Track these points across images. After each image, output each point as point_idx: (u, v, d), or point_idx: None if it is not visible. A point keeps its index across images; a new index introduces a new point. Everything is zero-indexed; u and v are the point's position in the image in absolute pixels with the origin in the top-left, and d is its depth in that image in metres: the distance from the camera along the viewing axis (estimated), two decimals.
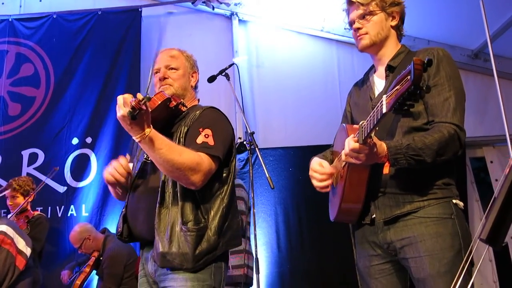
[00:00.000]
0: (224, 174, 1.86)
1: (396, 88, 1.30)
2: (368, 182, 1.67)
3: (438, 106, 1.61)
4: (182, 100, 1.92)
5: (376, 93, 1.81)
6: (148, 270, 1.85)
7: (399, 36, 1.84)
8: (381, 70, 1.83)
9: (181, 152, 1.68)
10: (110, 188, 1.96)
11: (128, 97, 1.57)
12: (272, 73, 4.17)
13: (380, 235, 1.68)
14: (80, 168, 4.01)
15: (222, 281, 1.80)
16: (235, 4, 4.16)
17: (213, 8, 4.13)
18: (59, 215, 3.93)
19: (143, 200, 1.83)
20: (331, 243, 3.86)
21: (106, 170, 1.85)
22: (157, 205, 1.75)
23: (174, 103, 1.87)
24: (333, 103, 4.20)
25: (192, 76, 2.05)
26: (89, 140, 4.05)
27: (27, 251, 3.05)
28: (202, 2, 4.08)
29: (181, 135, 1.83)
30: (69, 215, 3.94)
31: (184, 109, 1.93)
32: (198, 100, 2.07)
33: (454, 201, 1.62)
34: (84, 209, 3.94)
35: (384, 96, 1.35)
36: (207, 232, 1.73)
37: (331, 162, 1.89)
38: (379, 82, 1.83)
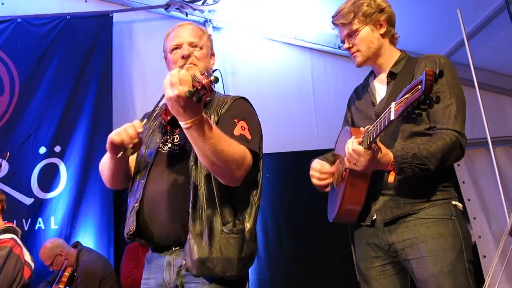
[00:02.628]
0: (256, 174, 1.69)
1: (406, 96, 1.33)
2: (369, 184, 1.70)
3: (440, 113, 1.66)
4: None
5: (378, 98, 1.84)
6: (164, 278, 1.61)
7: (393, 41, 1.87)
8: (382, 76, 1.86)
9: (230, 143, 1.48)
10: (108, 162, 1.67)
11: (186, 74, 1.33)
12: (247, 80, 4.16)
13: (381, 236, 1.71)
14: (48, 178, 3.81)
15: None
16: (209, 11, 4.13)
17: (187, 14, 4.08)
18: (26, 228, 3.70)
19: (164, 197, 1.59)
20: (311, 249, 3.89)
21: (114, 131, 1.56)
22: (190, 206, 1.53)
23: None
24: (308, 110, 4.25)
25: (211, 58, 1.86)
26: (57, 149, 3.86)
27: (32, 264, 3.01)
28: (176, 8, 4.03)
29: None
30: (36, 228, 3.72)
31: (208, 94, 1.71)
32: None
33: (453, 202, 1.67)
34: (53, 222, 3.74)
35: (393, 103, 1.38)
36: (245, 234, 1.56)
37: (332, 164, 1.91)
38: (380, 88, 1.86)
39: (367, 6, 1.81)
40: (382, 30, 1.83)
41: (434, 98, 1.27)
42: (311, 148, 4.16)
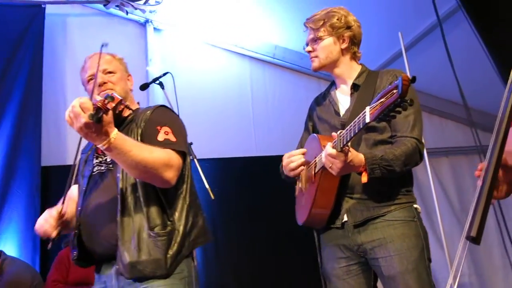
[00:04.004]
0: (182, 172, 1.78)
1: (381, 100, 1.43)
2: (338, 189, 1.80)
3: (400, 122, 1.80)
4: (127, 103, 1.82)
5: (341, 108, 1.95)
6: (114, 287, 1.69)
7: (355, 57, 1.98)
8: (343, 87, 1.98)
9: (151, 150, 1.60)
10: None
11: (86, 101, 1.45)
12: (186, 84, 4.11)
13: (350, 238, 1.81)
14: None
15: (192, 273, 1.75)
16: (150, 12, 4.04)
17: (127, 13, 3.95)
18: None
19: (100, 215, 1.70)
20: (247, 254, 3.95)
21: (38, 222, 1.72)
22: (118, 215, 1.64)
23: (121, 106, 1.76)
24: (246, 117, 4.32)
25: (128, 79, 1.97)
26: None
27: None
28: (116, 6, 3.88)
29: (136, 137, 1.73)
30: None
31: (129, 112, 1.85)
32: (138, 103, 1.99)
33: (415, 206, 1.83)
34: None
35: (368, 107, 1.48)
36: (175, 234, 1.67)
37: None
38: (343, 98, 1.97)
39: (337, 19, 1.92)
40: (344, 46, 1.94)
41: (409, 101, 1.38)
42: (248, 154, 4.24)
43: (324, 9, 1.96)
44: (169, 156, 1.64)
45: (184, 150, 1.73)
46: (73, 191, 1.90)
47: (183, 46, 4.23)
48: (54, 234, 1.68)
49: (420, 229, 1.78)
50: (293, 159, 1.92)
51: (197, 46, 4.25)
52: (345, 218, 1.82)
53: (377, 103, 1.44)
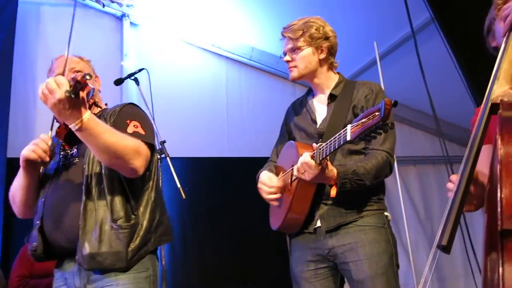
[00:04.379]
0: (147, 172, 1.78)
1: (362, 121, 1.46)
2: (313, 196, 1.84)
3: None
4: (96, 99, 1.87)
5: (318, 117, 1.98)
6: (76, 285, 1.68)
7: (332, 67, 2.02)
8: (321, 96, 2.01)
9: (122, 136, 1.60)
10: (23, 184, 1.74)
11: (61, 78, 1.45)
12: (161, 80, 4.06)
13: (322, 242, 1.84)
14: None
15: (157, 271, 1.76)
16: (128, 6, 3.98)
17: (104, 5, 3.88)
18: None
19: (64, 207, 1.68)
20: (215, 254, 3.94)
21: (25, 149, 1.68)
22: (82, 205, 1.63)
23: (91, 101, 1.80)
24: (220, 117, 4.31)
25: (96, 81, 1.99)
26: None
27: None
28: None
29: None
30: None
31: (97, 109, 1.87)
32: (106, 104, 1.99)
33: (385, 213, 1.89)
34: None
35: (349, 125, 1.50)
36: (139, 227, 1.67)
37: (276, 175, 2.00)
38: (319, 108, 2.00)
39: (316, 30, 1.95)
40: (322, 56, 1.96)
41: (389, 125, 1.42)
42: (221, 155, 4.23)
43: (301, 18, 1.97)
44: (139, 144, 1.64)
45: (152, 143, 1.74)
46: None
47: (160, 43, 4.18)
48: (47, 158, 1.68)
49: (390, 235, 1.84)
50: (269, 192, 1.93)
51: (174, 44, 4.21)
52: (318, 224, 1.86)
53: (358, 122, 1.47)
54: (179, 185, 2.57)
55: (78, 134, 1.53)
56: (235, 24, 4.19)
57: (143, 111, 1.90)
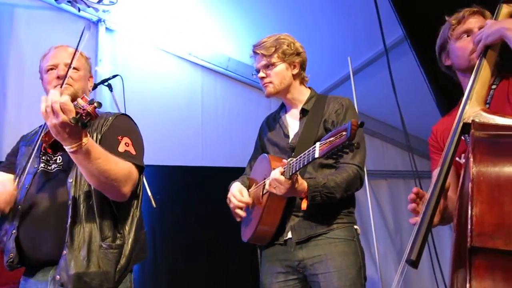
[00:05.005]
0: (137, 186, 1.75)
1: (330, 139, 1.50)
2: (284, 209, 1.86)
3: None
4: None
5: (291, 131, 2.03)
6: None
7: (303, 81, 2.09)
8: (293, 111, 2.06)
9: (116, 162, 1.56)
10: None
11: (68, 100, 1.36)
12: (136, 87, 4.03)
13: (292, 253, 1.86)
14: None
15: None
16: (104, 11, 3.93)
17: (79, 10, 3.82)
18: None
19: (46, 220, 1.63)
20: (185, 264, 3.89)
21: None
22: (69, 221, 1.58)
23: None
24: (195, 126, 4.29)
25: (89, 80, 1.93)
26: None
27: None
28: (68, 1, 3.75)
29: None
30: None
31: (94, 119, 1.77)
32: None
33: (355, 226, 1.93)
34: None
35: (318, 143, 1.55)
36: (125, 247, 1.64)
37: (248, 188, 2.02)
38: (292, 122, 2.05)
39: (287, 46, 2.01)
40: (295, 71, 2.03)
41: (355, 144, 1.46)
42: (195, 164, 4.21)
43: (270, 36, 2.03)
44: (130, 170, 1.61)
45: (142, 166, 1.71)
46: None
47: (135, 49, 4.14)
48: (7, 209, 1.64)
49: (358, 248, 1.88)
50: (237, 205, 1.95)
51: (149, 51, 4.18)
52: (289, 235, 1.88)
53: (326, 141, 1.51)
54: (150, 194, 2.54)
55: (71, 156, 1.48)
56: (212, 34, 4.20)
57: (134, 123, 1.85)
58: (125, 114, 1.87)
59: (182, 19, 4.04)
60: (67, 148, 1.45)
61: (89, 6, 3.81)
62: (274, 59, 1.98)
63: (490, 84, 1.54)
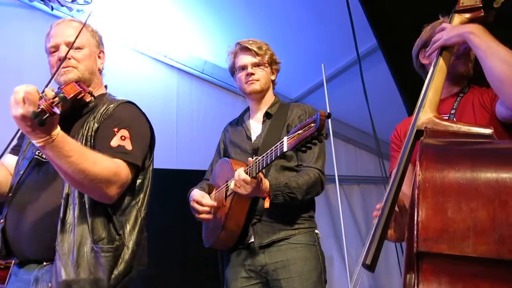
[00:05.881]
0: (139, 181, 1.60)
1: (298, 132, 1.52)
2: (247, 212, 1.87)
3: (306, 153, 1.91)
4: (90, 89, 1.56)
5: (253, 134, 2.07)
6: None
7: (273, 88, 2.19)
8: (258, 115, 2.11)
9: (95, 161, 1.38)
10: None
11: (32, 91, 1.21)
12: (111, 88, 3.97)
13: (255, 258, 1.87)
14: None
15: None
16: (78, 11, 3.89)
17: (52, 8, 3.77)
18: None
19: (34, 211, 1.47)
20: (158, 268, 3.85)
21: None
22: (59, 221, 1.42)
23: (82, 94, 1.51)
24: (169, 129, 4.27)
25: (99, 57, 1.77)
26: None
27: None
28: None
29: (90, 133, 1.51)
30: None
31: (91, 98, 1.60)
32: (106, 86, 1.77)
33: (316, 231, 1.96)
34: None
35: (285, 137, 1.56)
36: (124, 250, 1.46)
37: (209, 194, 2.03)
38: (255, 126, 2.10)
39: (271, 53, 2.11)
40: (273, 77, 2.14)
41: (324, 135, 1.48)
42: (169, 167, 4.18)
43: (256, 40, 2.07)
44: (116, 170, 1.43)
45: (138, 164, 1.53)
46: (7, 159, 1.65)
47: (110, 50, 4.04)
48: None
49: (319, 252, 1.91)
50: (202, 210, 1.96)
51: (124, 52, 4.15)
52: (252, 239, 1.89)
53: (294, 134, 1.53)
54: None
55: (41, 150, 1.34)
56: (188, 37, 4.19)
57: (141, 113, 1.66)
58: (130, 102, 1.67)
59: (158, 21, 4.03)
60: (34, 142, 1.30)
61: (62, 5, 3.77)
62: (266, 59, 2.07)
63: (458, 92, 1.60)
